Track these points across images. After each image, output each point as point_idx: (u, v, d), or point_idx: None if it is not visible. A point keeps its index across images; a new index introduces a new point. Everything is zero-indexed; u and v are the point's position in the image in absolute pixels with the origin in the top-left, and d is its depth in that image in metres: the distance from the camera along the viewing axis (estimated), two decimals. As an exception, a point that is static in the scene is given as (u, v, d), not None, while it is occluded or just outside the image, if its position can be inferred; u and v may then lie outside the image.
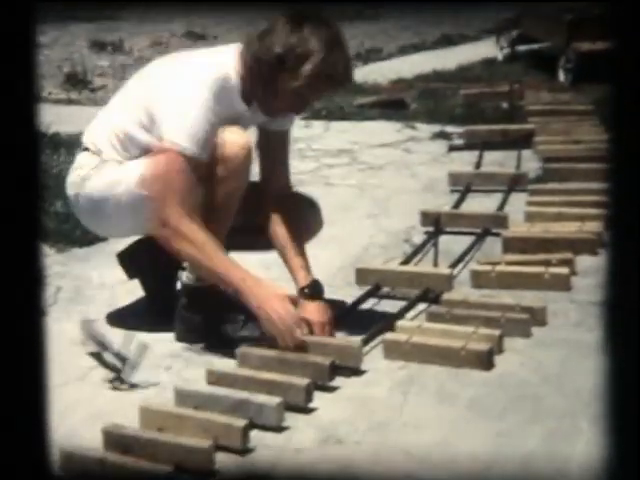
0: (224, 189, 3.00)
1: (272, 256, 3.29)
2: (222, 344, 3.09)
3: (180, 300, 3.20)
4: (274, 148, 3.27)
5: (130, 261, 3.38)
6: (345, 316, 3.28)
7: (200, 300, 3.14)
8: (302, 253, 3.20)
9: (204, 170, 2.95)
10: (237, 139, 3.00)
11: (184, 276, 3.19)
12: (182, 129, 2.93)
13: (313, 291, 3.12)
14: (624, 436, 0.84)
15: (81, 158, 3.21)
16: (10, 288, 0.81)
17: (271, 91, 3.05)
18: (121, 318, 3.39)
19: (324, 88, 3.12)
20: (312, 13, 3.08)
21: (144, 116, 3.05)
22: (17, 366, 0.82)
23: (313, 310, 3.06)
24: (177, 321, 3.18)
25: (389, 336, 3.06)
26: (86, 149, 3.20)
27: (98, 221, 3.21)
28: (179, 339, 3.17)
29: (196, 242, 2.88)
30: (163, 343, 3.16)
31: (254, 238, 3.25)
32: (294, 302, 2.94)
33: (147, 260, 3.30)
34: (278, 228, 3.20)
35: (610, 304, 0.83)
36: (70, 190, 3.21)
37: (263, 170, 3.30)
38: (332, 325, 3.06)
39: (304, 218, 3.29)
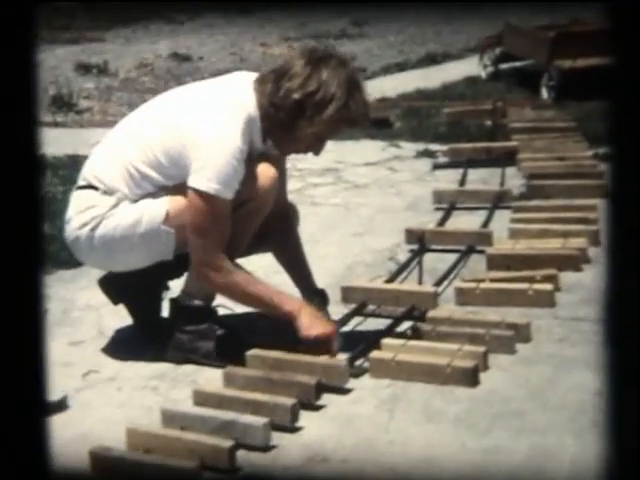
0: (248, 215, 3.08)
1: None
2: (206, 364, 3.11)
3: (169, 319, 3.21)
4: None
5: (112, 287, 3.38)
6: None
7: (189, 319, 3.16)
8: (307, 266, 3.41)
9: (231, 208, 3.02)
10: (266, 170, 3.07)
11: (174, 295, 3.21)
12: (213, 174, 2.95)
13: (322, 298, 3.33)
14: (625, 445, 0.85)
15: (89, 197, 3.13)
16: (11, 310, 0.83)
17: (289, 135, 3.07)
18: (107, 339, 3.40)
19: (342, 129, 3.17)
20: (328, 53, 3.08)
21: (164, 158, 3.05)
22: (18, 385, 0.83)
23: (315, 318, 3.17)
24: (166, 340, 3.19)
25: (375, 354, 3.08)
26: (90, 186, 3.14)
27: (114, 259, 3.17)
28: (168, 358, 3.17)
29: (247, 283, 3.06)
30: (150, 364, 3.17)
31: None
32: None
33: (129, 284, 3.31)
34: (283, 244, 3.39)
35: (610, 314, 0.84)
36: (78, 230, 3.13)
37: None
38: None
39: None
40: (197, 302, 3.15)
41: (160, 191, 3.09)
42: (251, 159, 3.06)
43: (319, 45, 3.16)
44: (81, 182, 3.19)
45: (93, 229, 3.11)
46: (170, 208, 3.06)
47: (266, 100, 3.04)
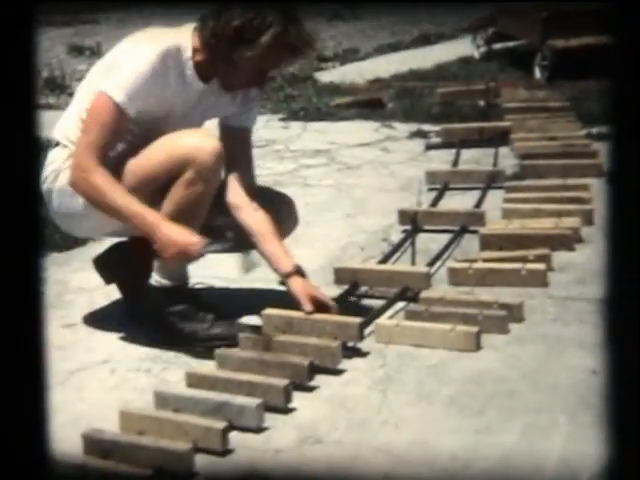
0: (194, 192, 3.01)
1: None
2: (191, 343, 3.11)
3: (149, 302, 3.20)
4: (235, 145, 3.22)
5: (106, 266, 3.37)
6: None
7: (168, 300, 3.14)
8: (279, 241, 3.18)
9: (127, 124, 3.03)
10: (206, 144, 3.02)
11: (152, 278, 3.19)
12: (116, 80, 3.00)
13: (302, 273, 3.13)
14: (624, 435, 0.85)
15: (52, 154, 3.18)
16: (10, 295, 0.82)
17: (231, 64, 3.07)
18: (100, 321, 3.39)
19: (284, 58, 3.15)
20: None
21: None
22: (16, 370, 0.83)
23: (307, 285, 3.10)
24: (146, 322, 3.19)
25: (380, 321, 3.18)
26: (57, 144, 3.19)
27: (70, 217, 3.16)
28: (150, 340, 3.16)
29: (108, 187, 2.96)
30: (142, 346, 3.16)
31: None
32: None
33: (122, 264, 3.30)
34: (250, 220, 3.18)
35: (609, 299, 0.84)
36: (42, 185, 3.13)
37: (226, 167, 3.22)
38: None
39: (278, 215, 3.27)
40: (169, 282, 3.13)
41: None
42: (188, 99, 3.09)
43: None
44: (53, 142, 3.23)
45: (52, 182, 3.13)
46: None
47: (206, 33, 3.07)
